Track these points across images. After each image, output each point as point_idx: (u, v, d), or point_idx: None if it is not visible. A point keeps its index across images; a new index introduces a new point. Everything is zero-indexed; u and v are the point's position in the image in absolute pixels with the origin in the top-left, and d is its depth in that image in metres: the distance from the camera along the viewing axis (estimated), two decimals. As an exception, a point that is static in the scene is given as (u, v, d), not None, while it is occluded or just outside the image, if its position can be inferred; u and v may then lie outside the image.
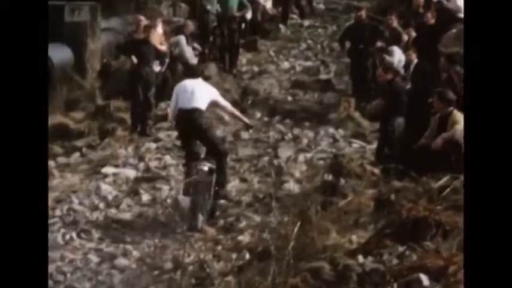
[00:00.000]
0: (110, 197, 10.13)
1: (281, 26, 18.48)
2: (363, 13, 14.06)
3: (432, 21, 13.14)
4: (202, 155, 9.51)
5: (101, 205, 9.87)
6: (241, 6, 15.57)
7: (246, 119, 10.39)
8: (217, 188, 9.24)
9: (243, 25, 16.03)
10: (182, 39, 14.25)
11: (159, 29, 13.85)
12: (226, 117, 11.64)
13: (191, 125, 9.30)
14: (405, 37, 13.75)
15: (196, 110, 9.27)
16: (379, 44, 13.53)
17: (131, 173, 11.01)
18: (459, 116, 8.86)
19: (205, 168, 9.04)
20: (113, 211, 9.70)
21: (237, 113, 10.22)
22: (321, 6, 20.75)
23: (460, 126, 8.67)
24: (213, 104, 9.67)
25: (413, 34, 13.54)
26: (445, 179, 7.31)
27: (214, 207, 9.33)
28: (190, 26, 14.62)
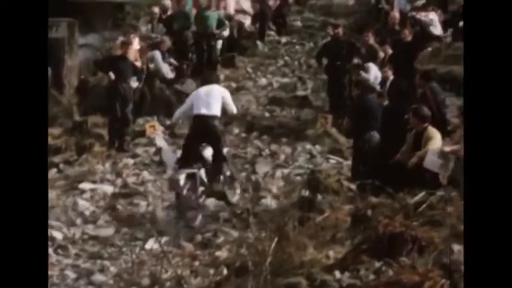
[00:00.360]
0: (87, 213, 10.11)
1: (258, 42, 18.57)
2: (340, 30, 14.17)
3: (409, 38, 13.30)
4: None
5: (78, 221, 9.85)
6: (220, 24, 15.66)
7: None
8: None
9: (220, 42, 16.11)
10: (157, 54, 14.29)
11: (136, 44, 13.88)
12: None
13: (207, 131, 9.86)
14: (381, 54, 13.90)
15: (214, 117, 9.89)
16: (355, 60, 13.65)
17: (109, 189, 10.99)
18: (433, 132, 8.98)
19: (181, 177, 9.45)
20: (90, 227, 9.68)
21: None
22: (298, 23, 20.86)
23: (433, 142, 8.79)
24: (222, 103, 10.08)
25: (390, 51, 13.69)
26: (420, 194, 7.38)
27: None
28: (167, 42, 14.66)
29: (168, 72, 14.42)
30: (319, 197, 9.01)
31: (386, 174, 8.65)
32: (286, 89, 15.91)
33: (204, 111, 9.86)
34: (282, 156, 12.30)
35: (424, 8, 16.04)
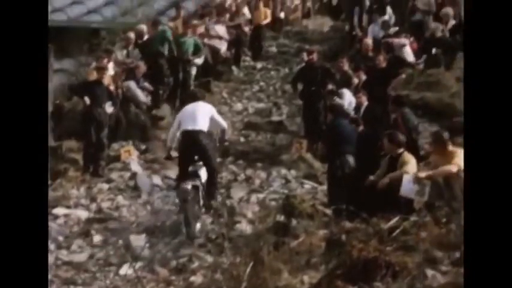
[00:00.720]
0: (60, 238, 10.04)
1: (234, 68, 18.66)
2: (314, 56, 14.28)
3: (383, 64, 13.45)
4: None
5: (52, 246, 9.76)
6: (196, 50, 15.75)
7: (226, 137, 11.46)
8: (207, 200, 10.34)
9: (194, 68, 16.17)
10: (131, 84, 14.24)
11: (111, 70, 13.88)
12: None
13: (194, 145, 10.27)
14: (355, 80, 14.02)
15: (200, 132, 10.28)
16: (329, 86, 13.75)
17: (83, 214, 10.93)
18: (409, 158, 9.07)
19: (189, 187, 9.81)
20: (64, 252, 9.61)
21: (225, 132, 11.31)
22: (273, 49, 21.02)
23: (407, 167, 8.87)
24: (210, 120, 10.54)
25: (364, 77, 13.82)
26: (394, 220, 7.44)
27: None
28: (142, 67, 14.67)
29: (143, 98, 14.40)
30: (294, 221, 9.03)
31: (361, 199, 8.72)
32: (262, 114, 15.97)
33: (189, 126, 10.27)
34: (257, 181, 12.31)
35: (397, 35, 16.25)
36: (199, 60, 16.10)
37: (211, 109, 10.73)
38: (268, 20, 20.60)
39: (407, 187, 8.59)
